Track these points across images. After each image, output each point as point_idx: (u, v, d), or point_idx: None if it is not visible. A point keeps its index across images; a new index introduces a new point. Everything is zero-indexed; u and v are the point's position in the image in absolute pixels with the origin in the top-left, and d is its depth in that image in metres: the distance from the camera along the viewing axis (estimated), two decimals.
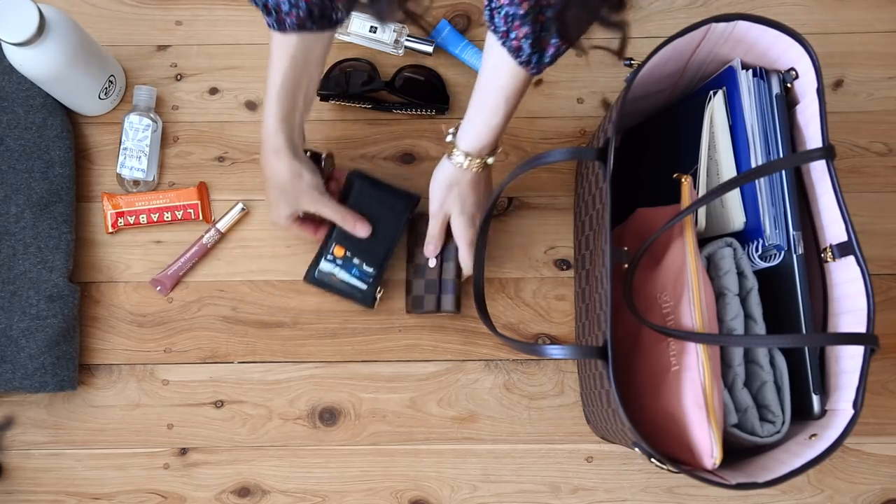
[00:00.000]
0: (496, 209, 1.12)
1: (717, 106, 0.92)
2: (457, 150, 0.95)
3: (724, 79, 0.93)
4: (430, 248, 1.05)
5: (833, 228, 0.86)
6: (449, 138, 0.96)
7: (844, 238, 0.84)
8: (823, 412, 0.87)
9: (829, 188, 0.84)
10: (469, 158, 0.95)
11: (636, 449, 0.83)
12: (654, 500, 1.07)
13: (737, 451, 0.89)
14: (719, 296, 0.89)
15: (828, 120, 0.89)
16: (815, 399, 0.86)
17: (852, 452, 1.07)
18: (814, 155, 0.80)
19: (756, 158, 0.90)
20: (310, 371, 1.10)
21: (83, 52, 1.02)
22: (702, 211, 0.92)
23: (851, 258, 0.83)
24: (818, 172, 0.87)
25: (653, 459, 0.80)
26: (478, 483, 1.08)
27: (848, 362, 0.84)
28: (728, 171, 0.91)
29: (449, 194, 0.99)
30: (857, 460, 1.07)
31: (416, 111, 1.13)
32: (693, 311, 0.84)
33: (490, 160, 0.96)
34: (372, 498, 1.08)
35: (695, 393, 0.82)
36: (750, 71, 0.91)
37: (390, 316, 1.10)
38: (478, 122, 0.92)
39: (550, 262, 1.11)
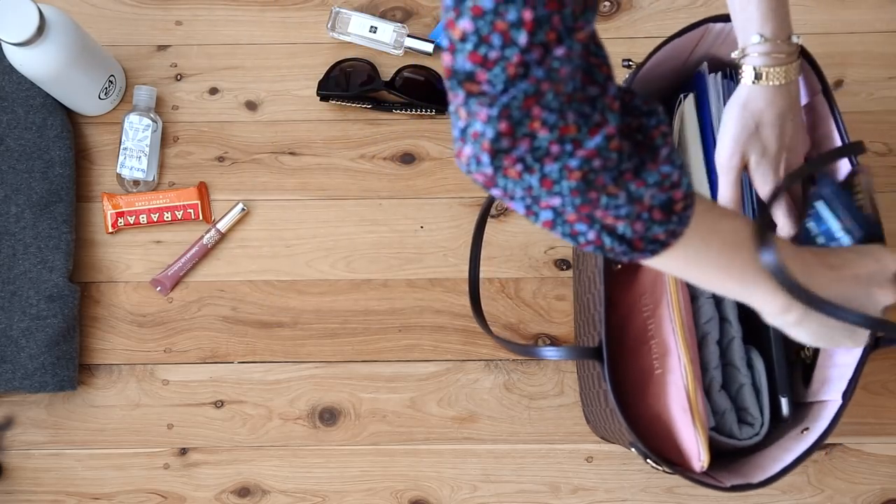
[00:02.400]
0: (496, 209, 1.12)
1: (687, 110, 0.91)
2: (746, 58, 0.79)
3: (694, 83, 0.92)
4: None
5: None
6: (734, 54, 0.81)
7: None
8: (793, 415, 0.86)
9: None
10: (767, 59, 0.78)
11: (633, 449, 0.83)
12: (654, 500, 1.07)
13: (726, 453, 0.89)
14: (693, 299, 0.87)
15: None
16: (784, 401, 0.86)
17: (852, 452, 1.07)
18: (846, 151, 0.80)
19: None
20: (310, 371, 1.10)
21: (83, 52, 1.03)
22: None
23: None
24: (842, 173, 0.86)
25: (648, 460, 0.80)
26: (478, 483, 1.08)
27: (844, 357, 0.83)
28: (699, 175, 0.90)
29: (748, 135, 0.81)
30: (857, 460, 1.07)
31: (416, 111, 1.13)
32: (672, 313, 0.83)
33: (793, 69, 0.79)
34: (372, 498, 1.08)
35: (679, 396, 0.81)
36: (719, 73, 0.91)
37: (390, 316, 1.10)
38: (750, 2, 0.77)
39: (550, 262, 1.11)
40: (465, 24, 0.52)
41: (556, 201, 0.59)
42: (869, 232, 0.79)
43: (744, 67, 0.79)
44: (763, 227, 0.66)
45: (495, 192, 0.59)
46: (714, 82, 0.90)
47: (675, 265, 0.66)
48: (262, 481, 1.08)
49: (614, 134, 0.57)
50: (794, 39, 0.79)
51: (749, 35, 0.78)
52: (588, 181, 0.58)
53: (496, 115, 0.54)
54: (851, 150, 0.81)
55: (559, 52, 0.52)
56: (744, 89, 0.80)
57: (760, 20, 0.78)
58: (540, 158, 0.56)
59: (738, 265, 0.67)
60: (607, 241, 0.61)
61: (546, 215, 0.60)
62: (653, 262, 0.65)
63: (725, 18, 0.86)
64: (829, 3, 1.15)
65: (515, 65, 0.52)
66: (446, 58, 0.54)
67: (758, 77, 0.78)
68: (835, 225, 0.81)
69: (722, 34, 0.88)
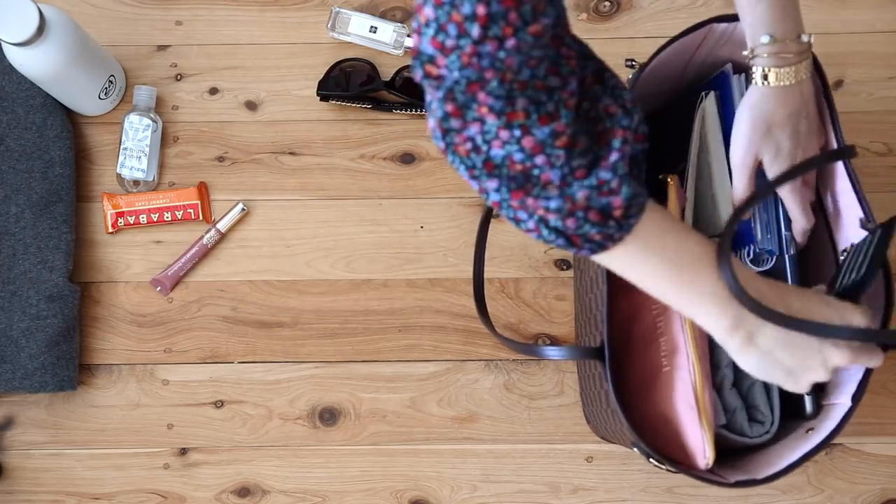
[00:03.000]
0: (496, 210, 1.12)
1: (708, 108, 0.91)
2: (755, 59, 0.78)
3: (717, 83, 0.92)
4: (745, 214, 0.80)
5: (854, 229, 0.85)
6: (744, 54, 0.80)
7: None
8: (816, 412, 0.86)
9: (849, 189, 0.84)
10: (776, 59, 0.77)
11: (634, 449, 0.83)
12: (654, 500, 1.07)
13: (733, 451, 0.89)
14: None
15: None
16: (808, 399, 0.86)
17: (852, 452, 1.07)
18: (837, 154, 0.81)
19: None
20: (310, 371, 1.10)
21: (83, 52, 1.03)
22: (689, 211, 0.92)
23: None
24: (837, 174, 0.86)
25: (651, 459, 0.80)
26: (478, 483, 1.08)
27: None
28: (720, 173, 0.90)
29: (760, 135, 0.80)
30: (857, 460, 1.07)
31: (416, 111, 1.13)
32: None
33: (803, 68, 0.78)
34: (372, 498, 1.08)
35: (686, 393, 0.81)
36: (743, 75, 0.91)
37: (390, 316, 1.10)
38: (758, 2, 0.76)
39: (550, 262, 1.11)
40: (427, 11, 0.54)
41: (494, 184, 0.61)
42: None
43: (753, 68, 0.79)
44: (725, 245, 0.67)
45: (449, 161, 0.62)
46: (739, 83, 0.90)
47: (618, 267, 0.68)
48: (262, 481, 1.08)
49: (563, 131, 0.59)
50: (804, 38, 0.79)
51: (758, 36, 0.78)
52: (528, 176, 0.60)
53: (442, 98, 0.58)
54: (842, 154, 0.81)
55: (509, 43, 0.54)
56: (754, 90, 0.80)
57: (769, 21, 0.78)
58: (489, 142, 0.59)
59: (686, 281, 0.67)
60: (545, 232, 0.64)
61: (494, 197, 0.63)
62: (597, 259, 0.67)
63: (729, 19, 0.86)
64: (829, 3, 1.15)
65: (469, 55, 0.55)
66: (414, 38, 0.56)
67: (767, 78, 0.78)
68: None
69: (725, 35, 0.88)
